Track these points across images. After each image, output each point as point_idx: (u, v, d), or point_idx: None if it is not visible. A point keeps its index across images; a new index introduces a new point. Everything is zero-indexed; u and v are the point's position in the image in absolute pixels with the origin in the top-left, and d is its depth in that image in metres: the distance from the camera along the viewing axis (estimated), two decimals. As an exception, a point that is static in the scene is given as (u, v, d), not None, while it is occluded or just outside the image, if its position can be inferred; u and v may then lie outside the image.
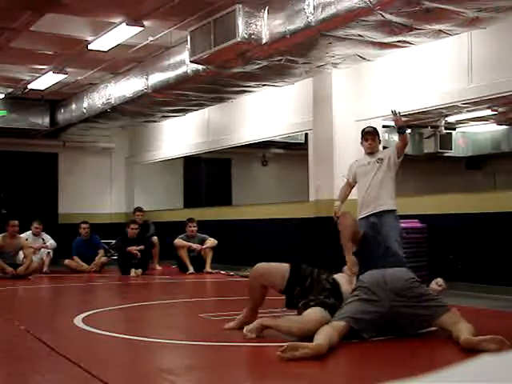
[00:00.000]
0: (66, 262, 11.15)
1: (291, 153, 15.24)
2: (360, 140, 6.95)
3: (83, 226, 11.44)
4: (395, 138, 14.75)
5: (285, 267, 4.57)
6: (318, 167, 9.29)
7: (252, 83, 9.03)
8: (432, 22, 6.29)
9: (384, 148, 7.46)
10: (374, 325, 4.12)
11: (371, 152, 6.86)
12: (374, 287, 4.19)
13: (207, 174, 15.52)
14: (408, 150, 14.99)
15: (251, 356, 3.99)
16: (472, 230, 7.41)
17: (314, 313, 4.15)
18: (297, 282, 4.48)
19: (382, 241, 5.99)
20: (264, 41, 7.27)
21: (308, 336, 3.86)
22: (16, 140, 13.56)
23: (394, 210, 6.62)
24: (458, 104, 9.50)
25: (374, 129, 7.00)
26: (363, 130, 6.98)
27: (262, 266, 4.66)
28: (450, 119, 13.58)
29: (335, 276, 4.63)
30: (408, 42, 6.98)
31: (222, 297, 7.75)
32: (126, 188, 14.86)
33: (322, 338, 3.74)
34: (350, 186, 7.07)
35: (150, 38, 9.15)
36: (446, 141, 14.40)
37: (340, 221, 5.24)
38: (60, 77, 11.04)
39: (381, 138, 7.09)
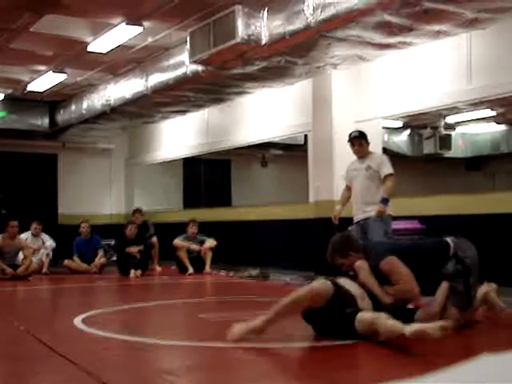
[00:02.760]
0: (66, 262, 11.14)
1: (291, 154, 15.24)
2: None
3: (83, 225, 11.44)
4: (394, 138, 14.92)
5: (329, 285, 4.26)
6: (317, 168, 9.29)
7: (251, 84, 9.04)
8: (431, 22, 6.30)
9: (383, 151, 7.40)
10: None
11: (361, 156, 6.93)
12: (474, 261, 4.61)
13: (207, 175, 15.52)
14: (407, 150, 15.11)
15: (251, 356, 3.98)
16: (472, 231, 7.37)
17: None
18: (338, 299, 4.26)
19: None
20: (263, 42, 7.28)
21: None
22: (15, 141, 13.55)
23: (378, 217, 6.66)
24: (458, 105, 9.50)
25: (360, 133, 6.98)
26: (349, 135, 7.00)
27: (324, 285, 4.22)
28: (450, 120, 13.60)
29: (341, 282, 4.48)
30: (407, 43, 6.99)
31: (221, 297, 7.74)
32: (125, 189, 14.86)
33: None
34: (349, 189, 7.14)
35: (150, 39, 9.15)
36: (445, 141, 14.42)
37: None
38: (60, 78, 11.04)
39: (368, 141, 7.00)
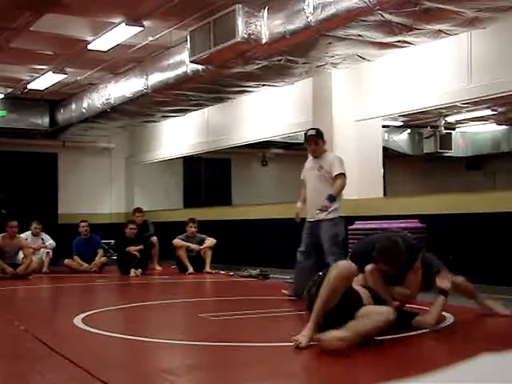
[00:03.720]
0: (66, 261, 11.15)
1: (291, 153, 15.24)
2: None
3: (82, 224, 11.45)
4: (395, 137, 14.90)
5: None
6: (317, 167, 9.27)
7: (252, 83, 9.03)
8: (432, 22, 6.29)
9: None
10: None
11: (315, 156, 6.80)
12: None
13: (207, 174, 15.52)
14: (408, 149, 15.12)
15: (251, 356, 3.98)
16: (472, 230, 7.40)
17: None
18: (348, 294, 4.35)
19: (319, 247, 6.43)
20: (264, 41, 7.27)
21: None
22: (16, 140, 13.54)
23: (330, 219, 6.52)
24: (458, 104, 9.50)
25: (316, 132, 6.79)
26: (305, 134, 6.86)
27: (351, 264, 4.15)
28: (450, 119, 13.60)
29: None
30: (408, 42, 6.98)
31: (221, 297, 7.74)
32: (125, 188, 14.85)
33: None
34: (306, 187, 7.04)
35: (150, 38, 9.15)
36: (445, 141, 14.41)
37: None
38: (60, 77, 11.03)
39: (324, 139, 6.87)
